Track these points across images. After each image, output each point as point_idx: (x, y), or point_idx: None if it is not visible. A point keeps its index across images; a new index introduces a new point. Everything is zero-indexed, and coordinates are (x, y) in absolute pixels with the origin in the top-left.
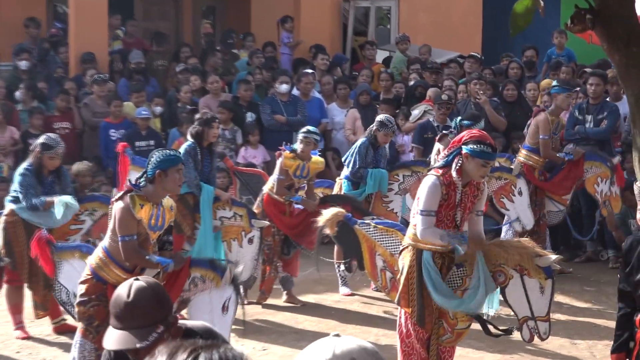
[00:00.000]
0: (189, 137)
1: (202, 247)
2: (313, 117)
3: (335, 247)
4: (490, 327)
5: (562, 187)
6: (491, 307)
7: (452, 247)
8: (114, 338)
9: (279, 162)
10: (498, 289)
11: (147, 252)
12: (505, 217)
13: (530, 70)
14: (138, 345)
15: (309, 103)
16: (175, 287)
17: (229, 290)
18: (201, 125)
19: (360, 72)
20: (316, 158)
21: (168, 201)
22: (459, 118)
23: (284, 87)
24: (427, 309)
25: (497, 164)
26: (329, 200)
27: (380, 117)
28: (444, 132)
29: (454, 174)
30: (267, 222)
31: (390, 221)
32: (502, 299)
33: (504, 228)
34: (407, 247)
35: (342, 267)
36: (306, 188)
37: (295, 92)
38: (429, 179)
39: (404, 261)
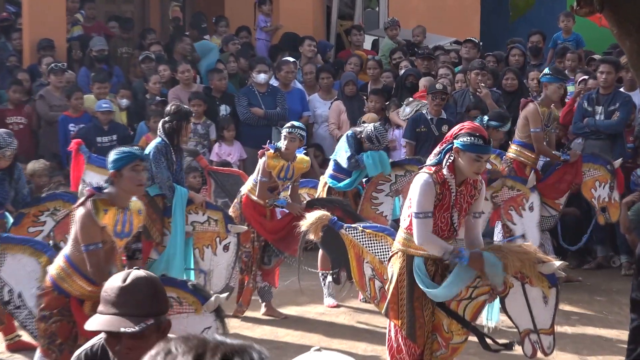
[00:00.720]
0: (160, 132)
1: (170, 256)
2: (294, 109)
3: (320, 255)
4: (489, 341)
5: (555, 189)
6: (490, 319)
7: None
8: (98, 321)
9: (261, 162)
10: (497, 300)
11: (110, 267)
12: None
13: (536, 58)
14: (123, 329)
15: (289, 94)
16: None
17: (209, 319)
18: (177, 120)
19: (348, 59)
20: (301, 157)
21: (136, 204)
22: (486, 117)
23: (262, 77)
24: (418, 320)
25: (505, 167)
26: (317, 204)
27: (369, 130)
28: None
29: (444, 170)
30: (245, 227)
31: (379, 225)
32: (502, 310)
33: (498, 238)
34: (396, 253)
35: (330, 278)
36: (290, 190)
37: (273, 82)
38: (421, 177)
39: (393, 268)
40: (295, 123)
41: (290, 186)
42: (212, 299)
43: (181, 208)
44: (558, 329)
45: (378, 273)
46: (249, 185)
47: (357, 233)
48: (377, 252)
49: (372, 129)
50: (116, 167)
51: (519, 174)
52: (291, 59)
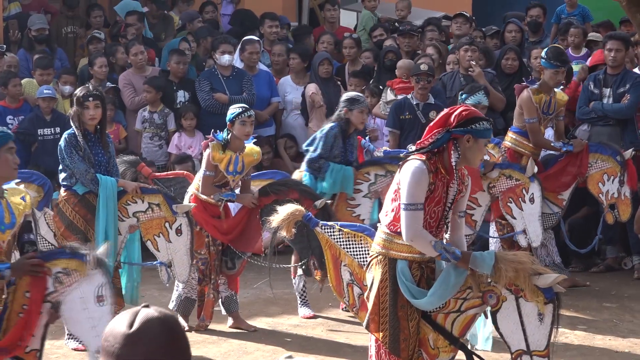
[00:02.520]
0: (70, 121)
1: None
2: (261, 95)
3: (293, 258)
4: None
5: (558, 182)
6: (484, 342)
7: (440, 256)
8: None
9: (205, 154)
10: (489, 315)
11: None
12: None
13: (535, 34)
14: None
15: (255, 78)
16: (34, 293)
17: (98, 276)
18: (75, 106)
19: (319, 38)
20: (251, 147)
21: (16, 192)
22: (463, 94)
23: (226, 58)
24: (403, 332)
25: (500, 157)
26: (271, 190)
27: (346, 94)
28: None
29: (454, 163)
30: (192, 204)
31: (358, 224)
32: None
33: (493, 241)
34: (375, 256)
35: (300, 271)
36: (241, 186)
37: (237, 63)
38: (412, 164)
39: (374, 274)
40: (241, 105)
41: (240, 183)
42: (89, 255)
43: (111, 200)
44: (563, 339)
45: (357, 278)
46: (195, 184)
47: (334, 232)
48: (356, 255)
49: (350, 92)
50: None
51: None
52: (255, 38)
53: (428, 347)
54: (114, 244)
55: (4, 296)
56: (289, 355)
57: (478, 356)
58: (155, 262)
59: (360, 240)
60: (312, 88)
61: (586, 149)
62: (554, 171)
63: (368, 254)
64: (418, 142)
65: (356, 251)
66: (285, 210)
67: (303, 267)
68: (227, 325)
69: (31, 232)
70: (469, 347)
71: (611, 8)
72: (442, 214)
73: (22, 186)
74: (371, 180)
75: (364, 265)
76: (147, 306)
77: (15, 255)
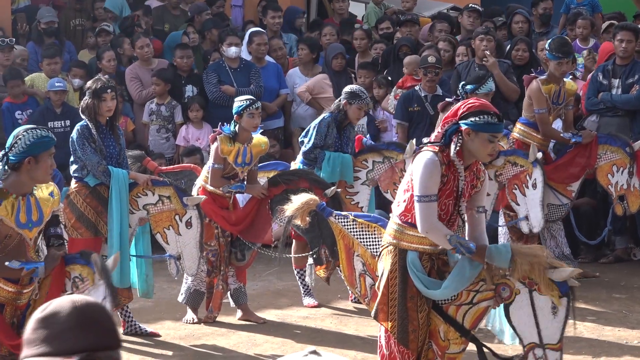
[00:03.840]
0: (80, 113)
1: (122, 249)
2: (269, 86)
3: (293, 251)
4: (488, 353)
5: (567, 173)
6: (512, 338)
7: (455, 250)
8: None
9: (213, 147)
10: (501, 308)
11: (7, 258)
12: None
13: (544, 25)
14: None
15: (263, 70)
16: (55, 292)
17: (101, 289)
18: (90, 98)
19: (322, 30)
20: (258, 138)
21: (44, 188)
22: (462, 83)
23: (232, 51)
24: (412, 323)
25: (508, 147)
26: (280, 180)
27: (349, 87)
28: (447, 100)
29: (453, 155)
30: (202, 197)
31: (372, 215)
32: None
33: (502, 230)
34: (386, 246)
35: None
36: (247, 177)
37: (245, 55)
38: (425, 155)
39: (384, 264)
40: (248, 96)
41: (246, 175)
42: (95, 262)
43: (118, 192)
44: (573, 331)
45: (369, 268)
46: (203, 176)
47: (347, 222)
48: (369, 245)
49: (354, 85)
50: (35, 152)
51: None
52: (262, 30)
53: (438, 338)
54: (117, 235)
55: (35, 292)
56: (313, 349)
57: (488, 348)
58: (164, 255)
59: (374, 230)
60: (314, 81)
61: (595, 140)
62: (562, 162)
63: (380, 244)
64: (433, 134)
65: (369, 241)
66: (299, 200)
67: (314, 256)
68: (235, 318)
69: (57, 226)
70: (495, 341)
71: (622, 1)
72: (454, 207)
73: None
74: (369, 167)
75: (377, 255)
76: (70, 293)
77: (42, 248)
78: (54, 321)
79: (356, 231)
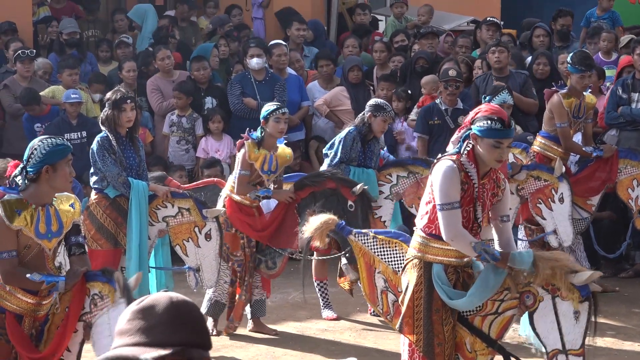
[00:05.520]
0: (100, 125)
1: (141, 261)
2: (291, 99)
3: (314, 263)
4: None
5: (587, 187)
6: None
7: (480, 257)
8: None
9: (240, 154)
10: (526, 315)
11: (28, 270)
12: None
13: (562, 41)
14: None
15: (284, 82)
16: (76, 307)
17: (122, 305)
18: (110, 109)
19: (345, 42)
20: (283, 148)
21: (64, 198)
22: (487, 97)
23: (255, 62)
24: (437, 337)
25: (529, 161)
26: (307, 182)
27: (374, 100)
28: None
29: (463, 158)
30: (222, 209)
31: (393, 230)
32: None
33: (522, 243)
34: (411, 260)
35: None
36: (274, 187)
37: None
38: (444, 164)
39: (409, 278)
40: (276, 103)
41: (272, 184)
42: (117, 280)
43: (138, 204)
44: (592, 345)
45: (391, 285)
46: (229, 186)
47: (367, 239)
48: (391, 262)
49: (378, 99)
50: (52, 161)
51: None
52: (282, 42)
53: (465, 350)
54: (136, 248)
55: (56, 306)
56: None
57: (516, 357)
58: (183, 267)
59: (395, 246)
60: (332, 94)
61: (616, 155)
62: (583, 176)
63: (402, 260)
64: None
65: (391, 258)
66: (317, 220)
67: (347, 255)
68: (246, 329)
69: (78, 235)
70: (532, 350)
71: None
72: (475, 214)
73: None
74: (393, 181)
75: (399, 271)
76: (166, 290)
77: (64, 259)
78: (150, 313)
79: (377, 248)
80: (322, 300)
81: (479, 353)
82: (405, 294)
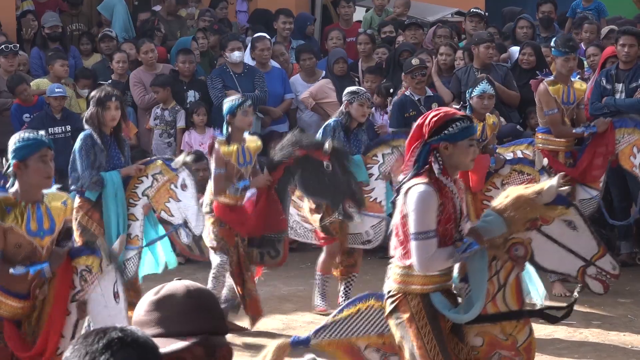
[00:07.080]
0: (84, 123)
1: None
2: (274, 92)
3: (321, 258)
4: (552, 312)
5: (591, 169)
6: (539, 298)
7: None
8: None
9: (213, 153)
10: (527, 269)
11: (11, 265)
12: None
13: (546, 30)
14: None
15: (267, 75)
16: (62, 290)
17: (112, 272)
18: (94, 107)
19: (329, 34)
20: (249, 138)
21: (56, 196)
22: (469, 89)
23: (235, 55)
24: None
25: (518, 154)
26: (277, 160)
27: (348, 88)
28: (454, 107)
29: (439, 176)
30: (187, 155)
31: (361, 295)
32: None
33: None
34: (398, 295)
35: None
36: (251, 176)
37: (249, 61)
38: (417, 189)
39: (403, 316)
40: (237, 96)
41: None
42: (102, 249)
43: (114, 192)
44: (577, 335)
45: (385, 347)
46: (209, 192)
47: (331, 329)
48: (370, 329)
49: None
50: (20, 156)
51: (553, 165)
52: (265, 35)
53: (501, 342)
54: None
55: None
56: (312, 357)
57: (549, 307)
58: (172, 228)
59: (365, 311)
60: (318, 86)
61: (611, 126)
62: (585, 161)
63: (382, 318)
64: (402, 167)
65: (367, 325)
66: (270, 349)
67: (340, 213)
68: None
69: (69, 240)
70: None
71: (625, 5)
72: (456, 229)
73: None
74: (380, 161)
75: (385, 331)
76: (179, 279)
77: None
78: (169, 303)
79: (346, 329)
80: (319, 290)
81: (515, 332)
82: (409, 340)
